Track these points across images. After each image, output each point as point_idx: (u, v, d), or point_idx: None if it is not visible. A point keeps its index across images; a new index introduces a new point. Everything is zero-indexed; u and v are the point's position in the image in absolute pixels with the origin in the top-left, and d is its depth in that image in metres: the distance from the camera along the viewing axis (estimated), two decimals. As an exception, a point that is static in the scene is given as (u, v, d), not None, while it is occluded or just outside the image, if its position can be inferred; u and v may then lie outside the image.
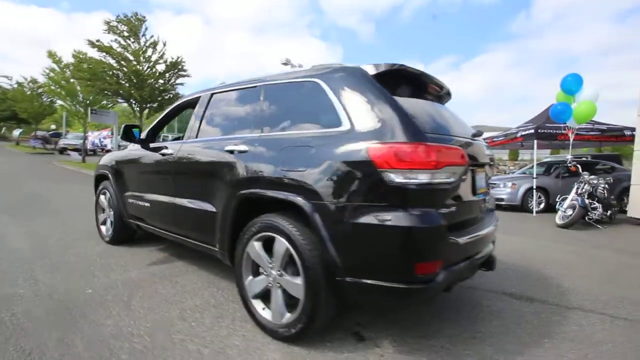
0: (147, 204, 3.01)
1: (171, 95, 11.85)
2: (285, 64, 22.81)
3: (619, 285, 3.11)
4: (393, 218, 1.53)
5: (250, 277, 2.09)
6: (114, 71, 10.42)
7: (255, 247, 2.02)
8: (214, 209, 2.31)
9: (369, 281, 1.61)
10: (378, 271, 1.59)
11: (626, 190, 7.31)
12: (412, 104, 1.83)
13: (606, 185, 6.36)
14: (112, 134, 15.58)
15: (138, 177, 3.21)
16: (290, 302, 1.89)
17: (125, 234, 3.70)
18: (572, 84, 6.34)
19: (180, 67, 11.40)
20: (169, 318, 2.14)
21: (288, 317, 1.87)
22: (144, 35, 10.84)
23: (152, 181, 3.00)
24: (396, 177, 1.54)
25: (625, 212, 7.03)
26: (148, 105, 11.43)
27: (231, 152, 2.21)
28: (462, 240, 1.68)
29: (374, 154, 1.58)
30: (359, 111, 1.74)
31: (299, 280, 1.79)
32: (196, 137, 2.65)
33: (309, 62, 21.59)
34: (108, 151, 17.82)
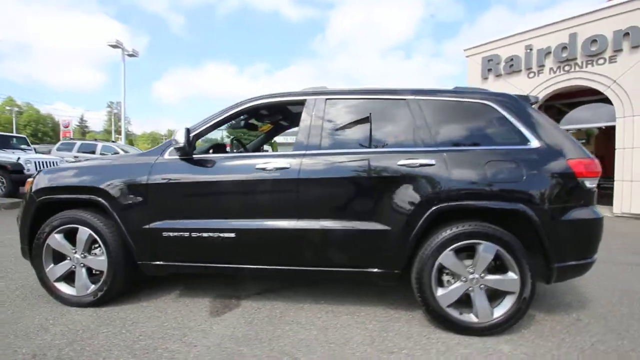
0: (227, 235, 2.25)
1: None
2: (115, 46, 18.73)
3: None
4: (591, 212, 2.09)
5: (440, 289, 2.13)
6: None
7: (451, 256, 2.10)
8: (385, 227, 2.14)
9: (569, 263, 2.10)
10: (577, 254, 2.10)
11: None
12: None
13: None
14: None
15: (198, 200, 2.31)
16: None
17: (125, 285, 2.53)
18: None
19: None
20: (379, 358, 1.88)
21: (496, 312, 2.09)
22: None
23: (240, 203, 2.27)
24: (586, 183, 2.10)
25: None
26: None
27: (405, 165, 2.14)
28: None
29: (574, 166, 2.08)
30: (542, 132, 2.17)
31: (513, 276, 2.05)
32: (319, 148, 2.28)
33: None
34: None
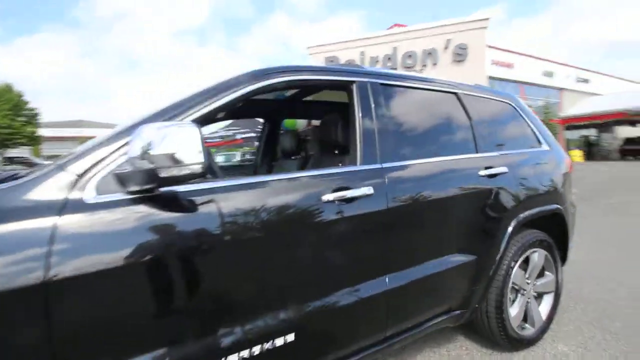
0: (281, 340, 1.12)
1: None
2: None
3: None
4: (575, 205, 2.41)
5: (510, 309, 1.91)
6: None
7: (519, 271, 1.92)
8: (472, 257, 1.66)
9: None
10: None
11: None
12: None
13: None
14: None
15: (207, 287, 1.00)
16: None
17: None
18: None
19: None
20: None
21: (543, 315, 2.09)
22: None
23: (302, 273, 1.17)
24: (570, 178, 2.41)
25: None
26: None
27: (486, 175, 1.74)
28: None
29: (569, 165, 2.32)
30: (544, 134, 2.30)
31: (551, 275, 2.09)
32: (395, 158, 1.50)
33: None
34: None
